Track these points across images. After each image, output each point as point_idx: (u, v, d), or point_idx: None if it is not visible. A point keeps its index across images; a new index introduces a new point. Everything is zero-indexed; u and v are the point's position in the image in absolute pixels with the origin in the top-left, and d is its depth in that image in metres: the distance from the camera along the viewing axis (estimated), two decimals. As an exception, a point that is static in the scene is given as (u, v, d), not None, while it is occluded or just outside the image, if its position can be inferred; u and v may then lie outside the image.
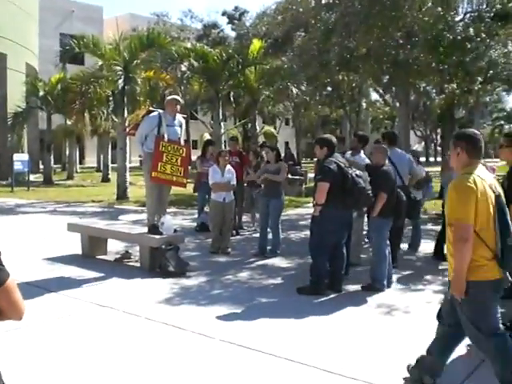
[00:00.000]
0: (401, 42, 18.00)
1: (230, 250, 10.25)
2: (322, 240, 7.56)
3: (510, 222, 4.16)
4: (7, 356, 4.81)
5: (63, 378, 4.73)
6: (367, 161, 9.01)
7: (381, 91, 29.76)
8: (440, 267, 9.22)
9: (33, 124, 33.17)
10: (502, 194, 4.27)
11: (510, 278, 4.16)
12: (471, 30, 17.19)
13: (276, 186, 9.97)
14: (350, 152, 9.60)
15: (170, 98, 9.47)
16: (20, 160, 25.18)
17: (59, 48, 35.23)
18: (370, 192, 7.59)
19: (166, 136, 8.84)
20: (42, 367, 4.96)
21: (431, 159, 63.98)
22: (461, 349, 5.37)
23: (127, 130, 18.81)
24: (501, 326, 4.25)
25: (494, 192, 4.16)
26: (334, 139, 7.88)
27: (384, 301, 7.16)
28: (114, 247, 10.24)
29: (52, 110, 29.65)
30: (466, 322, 4.23)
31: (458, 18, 18.27)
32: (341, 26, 17.48)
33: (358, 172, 7.63)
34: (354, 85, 30.58)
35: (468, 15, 18.56)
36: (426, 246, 10.69)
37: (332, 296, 7.42)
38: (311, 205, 8.24)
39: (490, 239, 4.07)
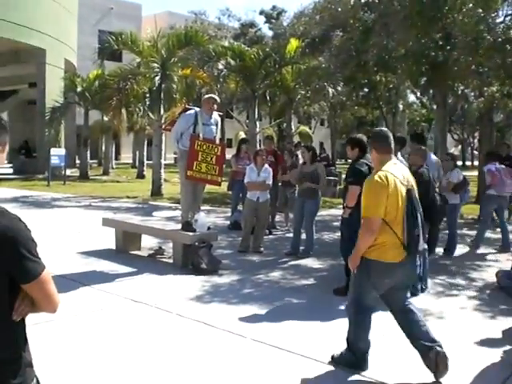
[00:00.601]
0: (440, 43, 17.74)
1: (262, 249, 10.21)
2: (353, 242, 7.48)
3: (418, 214, 4.73)
4: (39, 349, 4.84)
5: (94, 372, 4.75)
6: (404, 163, 8.90)
7: (418, 93, 29.50)
8: (475, 273, 9.09)
9: (70, 119, 33.56)
10: (415, 187, 4.88)
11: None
12: (512, 32, 16.89)
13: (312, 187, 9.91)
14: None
15: (207, 96, 9.47)
16: (57, 154, 25.49)
17: (97, 45, 35.67)
18: None
19: (201, 135, 8.85)
20: (73, 360, 5.00)
21: (468, 163, 63.12)
22: (494, 356, 5.28)
23: (163, 125, 18.92)
24: (371, 305, 5.07)
25: (405, 186, 4.74)
26: (365, 139, 7.75)
27: (418, 305, 7.05)
28: (148, 243, 10.29)
29: (89, 105, 29.95)
30: (350, 286, 5.18)
31: (498, 20, 17.95)
32: (379, 26, 17.31)
33: None
34: (391, 86, 30.30)
35: (509, 17, 18.23)
36: (461, 251, 10.54)
37: (365, 298, 7.34)
38: (341, 207, 8.16)
39: (399, 229, 4.66)
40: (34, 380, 2.18)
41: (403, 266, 4.76)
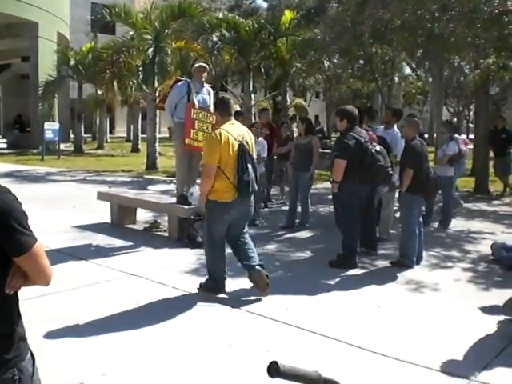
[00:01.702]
0: (436, 14, 17.58)
1: (258, 222, 10.19)
2: (347, 214, 7.48)
3: (249, 164, 5.95)
4: (35, 323, 4.83)
5: (90, 345, 4.75)
6: (400, 135, 8.86)
7: (414, 65, 29.34)
8: (470, 245, 9.12)
9: (64, 93, 33.30)
10: (249, 144, 6.11)
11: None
12: (509, 3, 16.74)
13: (306, 159, 9.85)
14: (382, 126, 9.45)
15: (197, 65, 9.40)
16: (51, 129, 25.32)
17: (90, 17, 35.27)
18: (389, 169, 7.47)
19: (196, 103, 8.77)
20: (70, 334, 5.00)
21: (463, 136, 63.03)
22: (490, 328, 5.31)
23: (156, 103, 18.77)
24: (220, 239, 6.15)
25: (239, 141, 5.96)
26: (355, 111, 7.64)
27: (413, 277, 7.09)
28: (143, 216, 10.27)
29: (83, 79, 29.69)
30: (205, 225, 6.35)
31: (495, -9, 17.79)
32: (375, -4, 17.13)
33: (378, 148, 7.48)
34: (386, 58, 30.12)
35: (506, -11, 18.06)
36: (457, 224, 10.56)
37: (361, 271, 7.37)
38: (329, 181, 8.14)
39: (231, 175, 5.89)
40: (29, 354, 2.16)
41: (236, 204, 5.98)
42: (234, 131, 6.04)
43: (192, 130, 8.66)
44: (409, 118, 8.72)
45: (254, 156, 6.23)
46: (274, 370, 1.54)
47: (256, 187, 6.22)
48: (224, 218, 6.04)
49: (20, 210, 2.03)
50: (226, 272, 6.30)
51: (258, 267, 6.06)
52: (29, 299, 2.10)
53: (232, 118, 6.25)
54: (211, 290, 6.19)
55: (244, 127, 6.42)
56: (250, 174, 5.97)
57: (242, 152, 5.96)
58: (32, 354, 2.19)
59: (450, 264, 7.92)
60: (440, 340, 5.04)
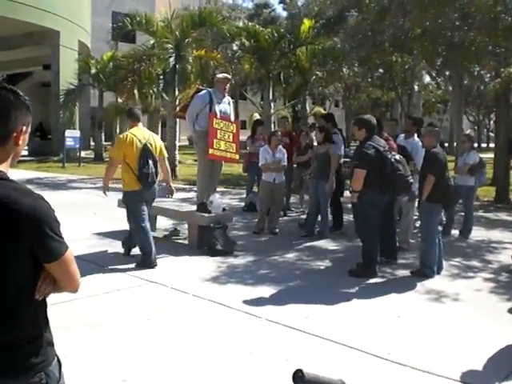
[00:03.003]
0: (457, 23, 17.52)
1: (277, 230, 10.21)
2: (367, 224, 7.46)
3: (150, 160, 7.46)
4: (57, 329, 4.87)
5: (112, 352, 4.78)
6: (420, 144, 8.84)
7: (434, 74, 29.22)
8: (490, 255, 9.05)
9: (84, 101, 33.60)
10: (153, 145, 7.64)
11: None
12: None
13: (325, 168, 9.84)
14: (403, 135, 9.43)
15: (220, 75, 9.44)
16: (71, 136, 25.55)
17: (111, 26, 35.55)
18: (409, 178, 7.43)
19: (218, 113, 8.83)
20: (92, 341, 5.03)
21: (483, 145, 62.62)
22: (510, 339, 5.27)
23: (176, 112, 18.84)
24: (142, 218, 7.63)
25: (142, 143, 7.50)
26: (373, 120, 7.62)
27: (433, 287, 7.05)
28: (163, 224, 10.32)
29: (103, 87, 29.91)
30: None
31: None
32: (396, 5, 17.12)
33: (397, 157, 7.44)
34: (406, 67, 29.97)
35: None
36: (477, 233, 10.48)
37: (381, 280, 7.35)
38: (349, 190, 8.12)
39: (134, 168, 7.43)
40: (55, 359, 2.19)
41: (141, 192, 7.56)
42: (140, 134, 7.61)
43: (215, 140, 8.74)
44: (430, 128, 8.69)
45: (165, 154, 8.02)
46: (298, 377, 1.55)
47: (155, 179, 7.67)
48: (136, 201, 7.65)
49: (53, 217, 2.06)
50: (153, 246, 7.69)
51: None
52: (51, 305, 2.12)
53: (140, 123, 7.80)
54: (146, 264, 7.61)
55: (149, 131, 7.98)
56: (150, 167, 7.49)
57: (144, 150, 7.49)
58: (59, 359, 2.22)
59: (470, 274, 7.87)
60: (460, 350, 5.01)
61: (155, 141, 7.79)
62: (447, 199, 7.59)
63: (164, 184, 8.71)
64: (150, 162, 7.51)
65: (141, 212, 7.67)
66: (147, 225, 7.74)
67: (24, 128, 2.12)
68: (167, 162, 8.26)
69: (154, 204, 10.25)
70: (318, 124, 12.31)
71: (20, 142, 2.11)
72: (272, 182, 10.12)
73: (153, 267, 7.55)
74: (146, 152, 7.51)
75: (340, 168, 9.97)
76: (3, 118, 2.04)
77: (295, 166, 12.31)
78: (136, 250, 8.02)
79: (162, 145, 8.05)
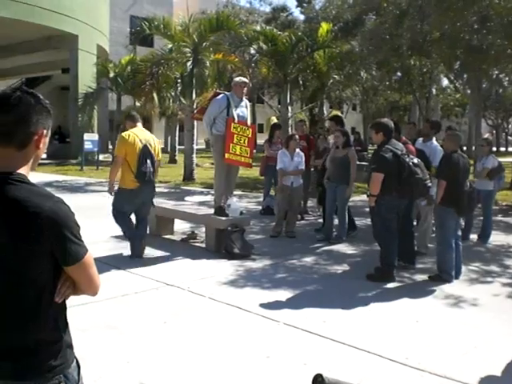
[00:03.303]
0: (476, 26, 17.44)
1: (295, 234, 10.19)
2: (385, 228, 7.42)
3: (148, 159, 7.92)
4: (75, 331, 4.89)
5: (129, 355, 4.80)
6: (439, 148, 8.78)
7: (452, 77, 29.04)
8: (509, 260, 8.97)
9: (103, 105, 33.79)
10: (152, 146, 8.09)
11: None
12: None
13: (343, 172, 9.79)
14: (421, 139, 9.37)
15: (238, 79, 9.47)
16: (90, 140, 25.72)
17: (129, 30, 35.74)
18: (427, 182, 7.37)
19: (235, 117, 8.85)
20: (109, 344, 5.05)
21: (502, 149, 62.15)
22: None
23: (193, 114, 18.90)
24: (124, 212, 8.30)
25: (142, 143, 7.96)
26: (391, 124, 7.59)
27: (451, 292, 6.99)
28: (180, 227, 10.35)
29: (122, 91, 30.07)
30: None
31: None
32: (414, 8, 17.07)
33: (415, 160, 7.38)
34: (424, 70, 29.88)
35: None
36: (496, 238, 10.39)
37: (399, 285, 7.30)
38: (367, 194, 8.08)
39: (133, 167, 7.88)
40: (74, 362, 2.20)
41: (138, 190, 8.02)
42: (141, 134, 8.09)
43: (231, 144, 8.77)
44: (451, 132, 8.60)
45: (160, 157, 8.43)
46: (318, 382, 1.55)
47: (153, 178, 8.12)
48: (130, 200, 8.14)
49: (73, 220, 2.07)
50: (134, 231, 8.37)
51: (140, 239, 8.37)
52: (69, 308, 2.13)
53: (139, 124, 8.30)
54: (132, 252, 8.31)
55: (149, 133, 8.39)
56: (148, 166, 7.93)
57: (143, 150, 7.94)
58: (78, 361, 2.23)
59: (489, 279, 7.80)
60: (478, 356, 4.97)
61: (155, 143, 8.25)
62: (460, 205, 7.48)
63: None
64: (149, 161, 7.96)
65: (124, 209, 8.29)
66: (127, 217, 8.41)
67: (45, 131, 2.13)
68: (157, 165, 8.53)
69: (172, 207, 10.36)
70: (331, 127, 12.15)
71: (41, 145, 2.13)
72: (290, 185, 10.10)
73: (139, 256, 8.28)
74: (145, 152, 7.97)
75: None
76: (24, 121, 2.05)
77: (312, 169, 12.28)
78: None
79: (160, 148, 8.53)
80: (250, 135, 9.09)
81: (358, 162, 10.23)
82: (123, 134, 8.12)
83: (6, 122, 2.03)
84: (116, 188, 8.36)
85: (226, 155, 8.80)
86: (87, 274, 2.13)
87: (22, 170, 2.06)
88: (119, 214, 8.31)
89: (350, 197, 10.00)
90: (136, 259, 8.20)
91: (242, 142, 8.89)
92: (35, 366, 2.04)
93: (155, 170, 8.17)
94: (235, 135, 8.81)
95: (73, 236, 2.04)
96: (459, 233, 7.79)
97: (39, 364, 2.04)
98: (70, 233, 2.03)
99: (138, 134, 8.04)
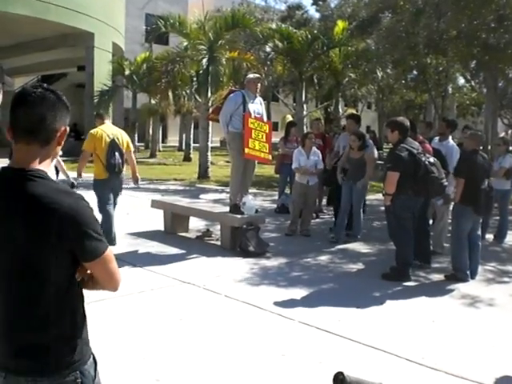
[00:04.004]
0: (492, 25, 17.32)
1: (310, 233, 10.18)
2: (401, 227, 7.39)
3: (116, 152, 8.55)
4: (91, 327, 4.92)
5: (145, 352, 4.82)
6: (456, 147, 8.73)
7: (468, 76, 28.88)
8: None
9: (118, 102, 33.86)
10: (119, 140, 8.71)
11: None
12: None
13: (359, 171, 9.73)
14: (437, 137, 9.32)
15: (251, 76, 9.49)
16: (105, 137, 25.76)
17: (145, 28, 35.82)
18: (443, 181, 7.33)
19: (252, 113, 8.86)
20: (125, 340, 5.07)
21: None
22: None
23: (208, 115, 18.90)
24: (107, 202, 8.77)
25: (110, 138, 8.60)
26: (406, 122, 7.54)
27: (468, 292, 6.96)
28: (195, 225, 10.37)
29: (137, 88, 30.17)
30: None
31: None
32: (430, 7, 16.98)
33: (431, 159, 7.34)
34: (440, 69, 29.71)
35: None
36: (512, 238, 10.33)
37: (414, 284, 7.28)
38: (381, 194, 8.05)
39: (103, 159, 8.52)
40: (91, 358, 2.21)
41: (109, 180, 8.65)
42: (108, 130, 8.79)
43: (250, 140, 8.76)
44: (473, 132, 8.52)
45: (132, 148, 9.16)
46: (339, 380, 1.54)
47: (122, 169, 8.74)
48: (104, 190, 8.73)
49: (92, 216, 2.08)
50: (112, 226, 8.74)
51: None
52: (85, 304, 2.15)
53: (107, 121, 9.16)
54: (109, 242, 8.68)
55: (117, 128, 9.16)
56: (116, 158, 8.55)
57: (111, 144, 8.55)
58: (94, 357, 2.24)
59: (505, 279, 7.76)
60: (495, 356, 4.95)
61: (122, 137, 8.91)
62: (477, 204, 7.41)
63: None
64: (117, 154, 8.61)
65: (106, 197, 8.76)
66: (110, 209, 8.82)
67: (66, 128, 2.15)
68: (133, 156, 9.35)
69: (187, 205, 10.39)
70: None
71: (62, 141, 2.16)
72: (305, 183, 10.08)
73: (114, 245, 8.51)
74: (113, 145, 8.60)
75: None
76: (48, 118, 2.07)
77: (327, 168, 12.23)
78: (149, 247, 8.05)
79: (129, 140, 9.16)
80: (267, 131, 9.08)
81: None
82: (91, 130, 8.91)
83: (30, 119, 2.05)
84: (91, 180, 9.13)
85: (246, 150, 8.77)
86: (108, 269, 2.15)
87: (42, 167, 2.08)
88: (103, 207, 8.72)
89: (365, 192, 9.90)
90: (152, 256, 8.23)
91: (260, 137, 8.88)
92: (51, 363, 2.05)
93: (123, 161, 8.80)
94: (253, 130, 8.80)
95: (93, 232, 2.05)
96: (479, 232, 7.74)
97: (56, 361, 2.06)
98: (89, 229, 2.04)
99: (105, 130, 8.77)
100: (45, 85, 2.15)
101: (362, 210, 10.04)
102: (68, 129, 2.19)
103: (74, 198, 2.03)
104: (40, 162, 2.08)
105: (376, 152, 10.13)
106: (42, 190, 1.99)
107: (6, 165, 2.11)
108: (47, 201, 1.97)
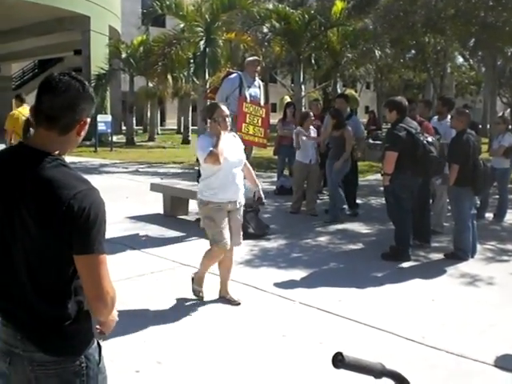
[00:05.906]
0: (490, 3, 17.21)
1: (317, 212, 10.14)
2: (400, 207, 7.39)
3: (28, 129, 8.58)
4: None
5: (146, 334, 4.83)
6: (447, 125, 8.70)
7: (467, 55, 28.78)
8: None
9: (115, 86, 33.77)
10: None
11: None
12: None
13: (338, 149, 9.69)
14: (436, 117, 9.29)
15: (251, 58, 9.44)
16: (103, 121, 25.68)
17: (141, 10, 35.58)
18: (441, 160, 7.32)
19: (248, 97, 8.81)
20: (126, 323, 5.08)
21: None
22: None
23: (206, 94, 18.84)
24: None
25: (25, 117, 8.20)
26: (404, 102, 7.51)
27: (467, 271, 6.97)
28: (195, 208, 10.32)
29: (134, 72, 30.01)
30: None
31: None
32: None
33: (429, 139, 7.33)
34: (439, 48, 29.58)
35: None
36: (512, 217, 10.33)
37: (414, 264, 7.29)
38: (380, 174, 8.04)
39: (20, 135, 7.78)
40: (95, 342, 2.21)
41: None
42: (25, 112, 9.63)
43: (243, 124, 8.72)
44: (459, 109, 8.51)
45: None
46: (338, 360, 1.54)
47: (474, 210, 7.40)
48: None
49: (102, 211, 2.04)
50: None
51: None
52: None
53: (25, 104, 10.70)
54: None
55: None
56: (30, 134, 9.05)
57: (27, 123, 8.92)
58: (98, 342, 2.24)
59: (505, 257, 7.76)
60: (495, 335, 4.97)
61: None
62: (476, 184, 7.39)
63: None
64: (32, 130, 9.74)
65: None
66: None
67: (88, 120, 2.13)
68: None
69: (187, 188, 10.37)
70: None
71: (82, 132, 2.14)
72: (308, 162, 10.05)
73: None
74: (27, 124, 9.61)
75: (353, 150, 9.97)
76: (71, 107, 2.06)
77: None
78: (149, 230, 8.05)
79: None
80: (263, 115, 9.04)
81: (371, 141, 10.15)
82: (11, 112, 10.70)
83: (53, 106, 2.03)
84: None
85: (238, 134, 8.73)
86: (95, 272, 2.03)
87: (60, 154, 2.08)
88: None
89: (340, 173, 9.82)
90: (152, 239, 8.24)
91: (255, 122, 8.84)
92: (57, 348, 2.05)
93: None
94: (248, 115, 8.76)
95: (96, 225, 1.99)
96: (474, 211, 7.74)
97: (61, 344, 2.05)
98: (94, 222, 1.98)
99: (22, 112, 10.38)
100: (73, 73, 2.13)
101: (342, 191, 9.96)
102: (88, 120, 2.16)
103: (88, 188, 2.02)
104: (58, 149, 2.08)
105: (351, 130, 9.90)
106: (59, 174, 1.99)
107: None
108: (60, 184, 1.96)
